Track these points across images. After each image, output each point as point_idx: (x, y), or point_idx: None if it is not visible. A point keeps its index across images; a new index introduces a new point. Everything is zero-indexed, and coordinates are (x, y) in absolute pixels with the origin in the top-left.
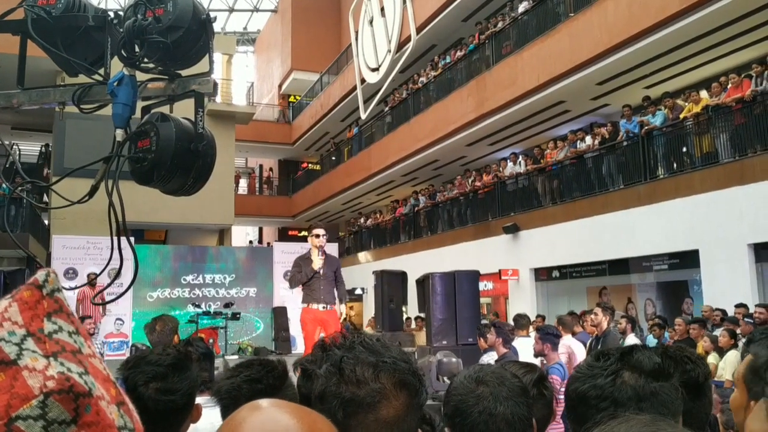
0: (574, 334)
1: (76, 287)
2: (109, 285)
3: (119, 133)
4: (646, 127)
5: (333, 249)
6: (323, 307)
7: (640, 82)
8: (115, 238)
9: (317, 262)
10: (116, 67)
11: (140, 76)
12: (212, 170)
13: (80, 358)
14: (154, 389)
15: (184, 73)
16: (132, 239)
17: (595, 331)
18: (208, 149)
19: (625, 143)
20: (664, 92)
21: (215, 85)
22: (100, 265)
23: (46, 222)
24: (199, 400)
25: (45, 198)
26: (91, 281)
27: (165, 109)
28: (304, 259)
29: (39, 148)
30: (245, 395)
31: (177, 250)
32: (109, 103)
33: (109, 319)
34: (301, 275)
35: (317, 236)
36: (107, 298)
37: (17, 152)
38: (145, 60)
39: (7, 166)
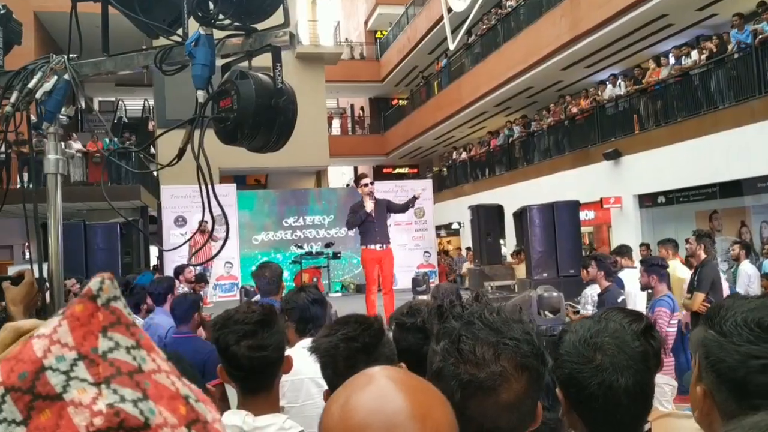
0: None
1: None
2: (204, 244)
3: (200, 94)
4: (761, 36)
5: (427, 185)
6: (380, 247)
7: None
8: (205, 197)
9: (368, 206)
10: (194, 26)
11: (217, 34)
12: (294, 125)
13: (139, 379)
14: (246, 347)
15: (261, 26)
16: (233, 187)
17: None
18: (288, 104)
19: (736, 56)
20: None
21: (292, 36)
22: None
23: (155, 173)
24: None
25: (152, 149)
26: (202, 228)
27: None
28: (359, 206)
29: (142, 102)
30: (342, 354)
31: (280, 194)
32: (189, 64)
33: (218, 262)
34: (356, 218)
35: (365, 185)
36: (213, 249)
37: (123, 108)
38: (220, 17)
39: (115, 121)
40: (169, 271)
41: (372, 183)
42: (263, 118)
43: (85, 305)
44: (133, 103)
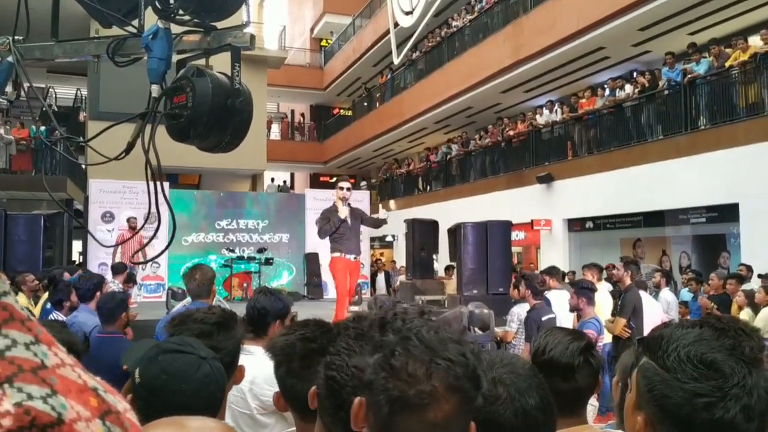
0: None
1: (118, 244)
2: (148, 242)
3: (155, 89)
4: (689, 76)
5: (364, 196)
6: (353, 257)
7: (684, 28)
8: (152, 193)
9: (343, 211)
10: (150, 19)
11: (175, 29)
12: (249, 127)
13: (44, 375)
14: None
15: (220, 25)
16: (167, 184)
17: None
18: (244, 105)
19: (666, 92)
20: (711, 38)
21: (252, 38)
22: (136, 209)
23: (84, 166)
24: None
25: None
26: (132, 225)
27: (201, 64)
28: (331, 211)
29: (74, 92)
30: (299, 353)
31: (215, 195)
32: (142, 56)
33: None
34: (329, 225)
35: (342, 188)
36: (146, 249)
37: (53, 96)
38: (180, 12)
39: (44, 109)
40: (92, 268)
41: (349, 189)
42: (218, 117)
43: None
44: (65, 92)
